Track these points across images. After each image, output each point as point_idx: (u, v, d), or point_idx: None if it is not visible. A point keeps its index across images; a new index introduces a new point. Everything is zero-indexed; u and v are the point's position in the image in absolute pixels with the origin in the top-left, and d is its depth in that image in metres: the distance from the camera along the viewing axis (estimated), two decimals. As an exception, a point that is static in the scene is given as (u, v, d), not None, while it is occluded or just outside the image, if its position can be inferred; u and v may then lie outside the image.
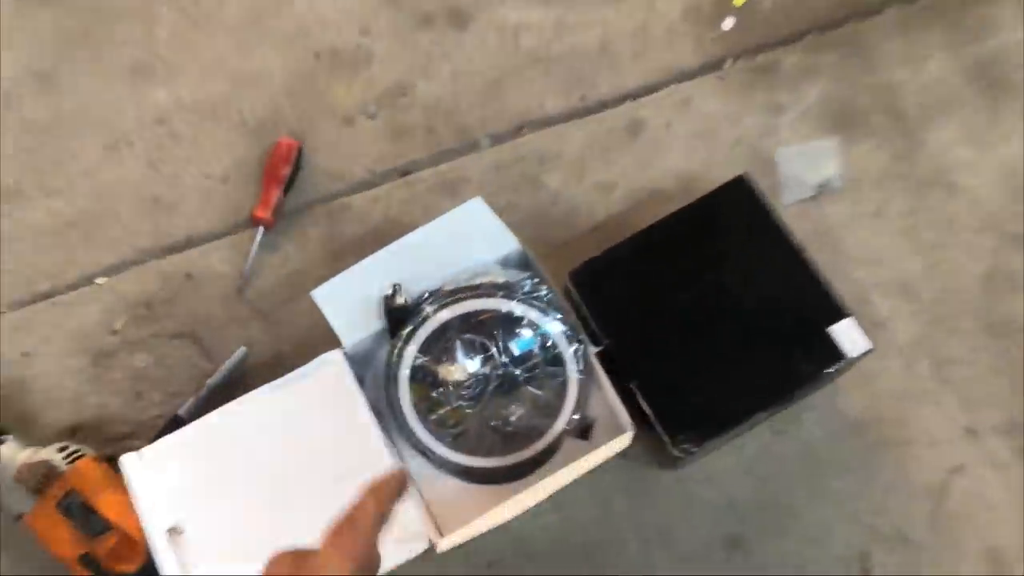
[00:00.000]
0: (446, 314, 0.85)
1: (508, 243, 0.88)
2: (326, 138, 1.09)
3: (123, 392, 1.00)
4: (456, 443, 0.84)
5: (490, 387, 0.84)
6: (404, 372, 0.84)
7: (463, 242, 0.88)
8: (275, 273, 1.04)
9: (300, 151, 1.06)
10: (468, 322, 0.85)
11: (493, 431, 0.84)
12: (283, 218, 1.06)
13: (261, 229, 1.04)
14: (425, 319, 0.84)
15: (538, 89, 1.10)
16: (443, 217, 0.89)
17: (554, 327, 0.84)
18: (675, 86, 1.10)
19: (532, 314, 0.84)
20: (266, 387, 0.87)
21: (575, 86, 1.10)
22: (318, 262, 1.03)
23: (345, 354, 0.87)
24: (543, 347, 0.84)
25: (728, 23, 1.12)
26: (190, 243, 1.05)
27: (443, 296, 0.85)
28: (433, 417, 0.84)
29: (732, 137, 1.07)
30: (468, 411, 0.84)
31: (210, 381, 0.98)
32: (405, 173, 1.08)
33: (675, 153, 1.06)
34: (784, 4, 1.12)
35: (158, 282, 1.04)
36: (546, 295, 0.85)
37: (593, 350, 0.85)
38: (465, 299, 0.85)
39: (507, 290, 0.85)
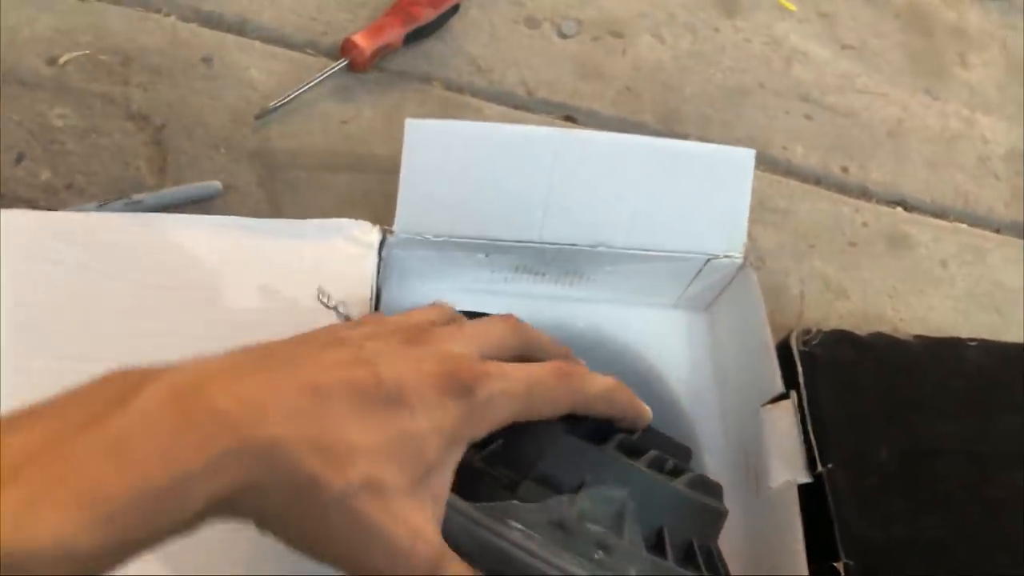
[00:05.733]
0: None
1: (736, 234, 0.50)
2: (495, 21, 0.74)
3: (5, 140, 0.60)
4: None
5: None
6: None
7: (673, 186, 0.50)
8: (322, 125, 0.66)
9: (455, 9, 0.72)
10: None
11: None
12: (382, 73, 0.69)
13: (344, 63, 0.67)
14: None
15: (791, 129, 0.76)
16: (675, 142, 0.52)
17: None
18: (968, 227, 0.75)
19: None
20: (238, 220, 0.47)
21: (839, 153, 0.76)
22: (388, 151, 0.66)
23: (385, 243, 0.47)
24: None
25: (1062, 197, 0.78)
26: (239, 28, 0.69)
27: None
28: None
29: (1029, 325, 0.70)
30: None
31: (146, 197, 0.58)
32: (568, 118, 0.72)
33: (941, 301, 0.70)
34: None
35: (162, 42, 0.66)
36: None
37: (803, 479, 0.45)
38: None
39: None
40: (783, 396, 0.48)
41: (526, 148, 0.50)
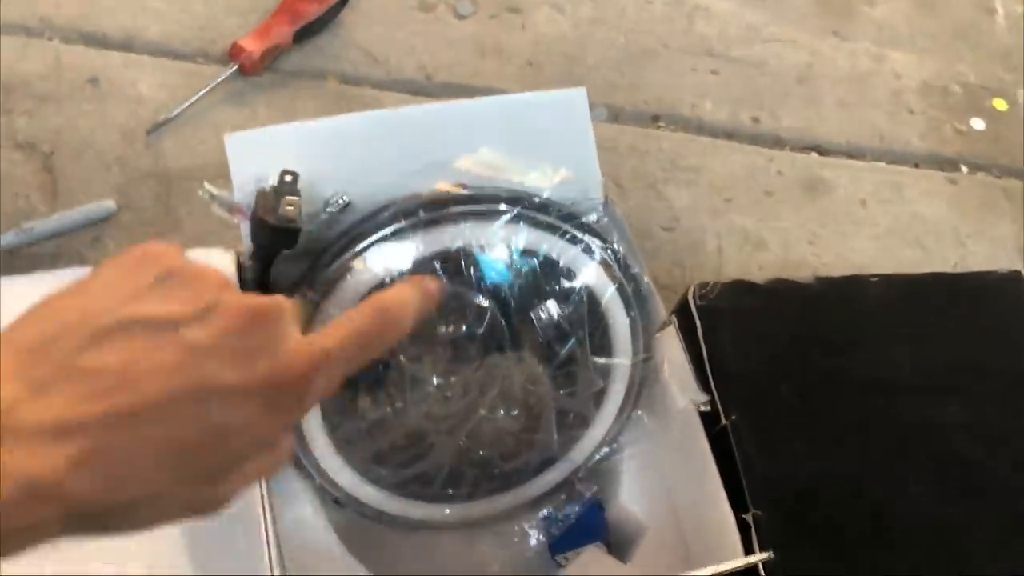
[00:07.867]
0: (406, 250, 0.43)
1: (587, 164, 0.49)
2: (388, 9, 0.73)
3: None
4: (407, 488, 0.42)
5: (474, 389, 0.42)
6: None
7: (516, 138, 0.49)
8: (215, 134, 0.64)
9: (344, 2, 0.70)
10: (448, 263, 0.43)
11: (478, 465, 0.41)
12: (275, 74, 0.68)
13: (235, 68, 0.66)
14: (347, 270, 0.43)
15: (698, 84, 0.75)
16: (511, 97, 0.51)
17: (592, 274, 0.44)
18: (885, 164, 0.74)
19: (566, 253, 0.43)
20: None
21: (749, 103, 0.75)
22: (291, 148, 0.64)
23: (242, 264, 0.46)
24: (577, 310, 0.43)
25: (979, 123, 0.78)
26: (125, 45, 0.67)
27: (401, 215, 0.43)
28: (365, 448, 0.42)
29: (952, 256, 0.70)
30: (436, 433, 0.42)
31: (37, 225, 0.57)
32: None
33: (863, 241, 0.69)
34: (1060, 134, 0.79)
35: (47, 68, 0.65)
36: (583, 216, 0.45)
37: (700, 399, 0.45)
38: (440, 223, 0.43)
39: (513, 204, 0.44)
40: (666, 323, 0.47)
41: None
